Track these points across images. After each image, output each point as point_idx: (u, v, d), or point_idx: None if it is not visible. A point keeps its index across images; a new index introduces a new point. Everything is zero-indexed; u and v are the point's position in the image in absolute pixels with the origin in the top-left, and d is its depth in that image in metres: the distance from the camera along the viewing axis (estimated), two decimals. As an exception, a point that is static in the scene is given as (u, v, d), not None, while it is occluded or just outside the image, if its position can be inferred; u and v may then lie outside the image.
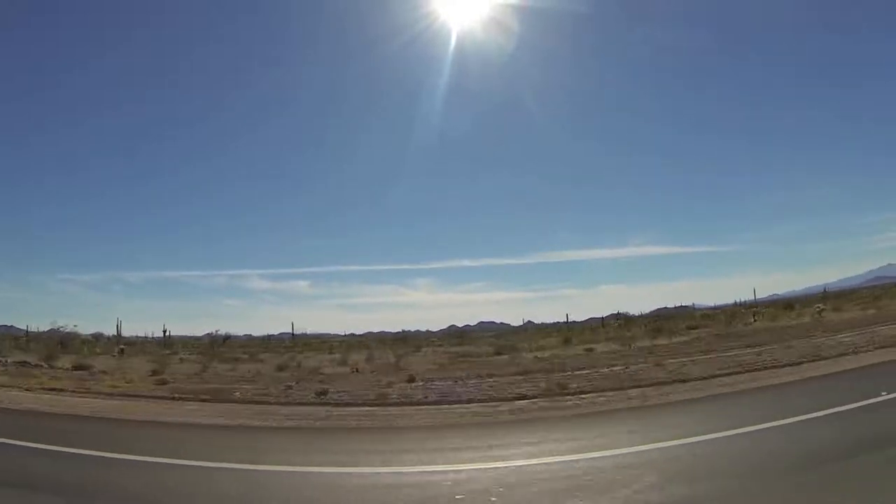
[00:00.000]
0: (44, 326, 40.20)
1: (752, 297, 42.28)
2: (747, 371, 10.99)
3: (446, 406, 9.75)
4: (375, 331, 57.57)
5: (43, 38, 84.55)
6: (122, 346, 29.89)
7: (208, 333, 41.01)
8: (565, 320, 43.74)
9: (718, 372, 11.01)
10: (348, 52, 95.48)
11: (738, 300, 42.27)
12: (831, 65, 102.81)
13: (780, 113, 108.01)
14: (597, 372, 12.67)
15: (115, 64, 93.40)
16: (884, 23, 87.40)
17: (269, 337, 49.97)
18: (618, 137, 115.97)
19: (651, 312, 48.02)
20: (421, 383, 12.66)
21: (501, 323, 56.46)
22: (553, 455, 5.80)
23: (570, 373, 12.81)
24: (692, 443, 5.94)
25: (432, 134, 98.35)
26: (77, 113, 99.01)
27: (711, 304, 50.90)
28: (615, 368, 13.03)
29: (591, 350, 21.06)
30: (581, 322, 49.65)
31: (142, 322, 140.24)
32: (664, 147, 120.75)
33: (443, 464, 5.71)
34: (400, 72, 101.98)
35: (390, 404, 10.16)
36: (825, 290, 46.55)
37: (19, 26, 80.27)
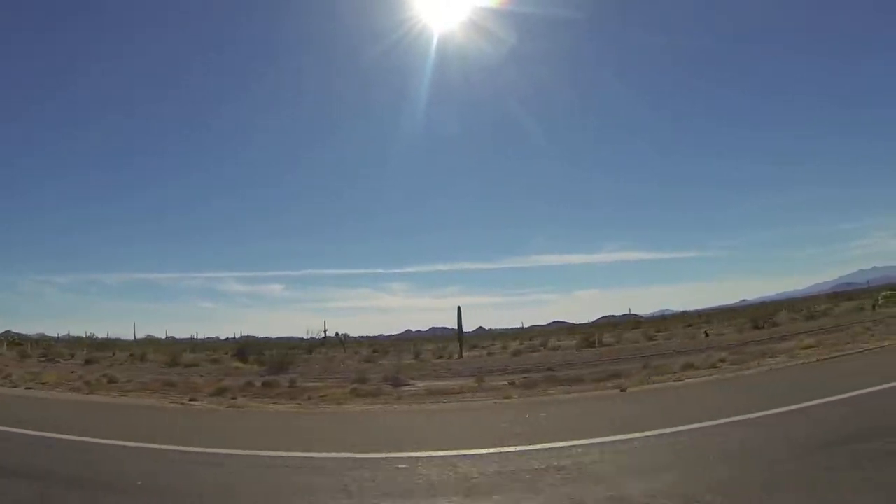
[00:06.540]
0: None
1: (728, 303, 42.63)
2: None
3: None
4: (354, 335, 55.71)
5: (32, 49, 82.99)
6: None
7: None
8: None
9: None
10: (329, 60, 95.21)
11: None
12: (806, 82, 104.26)
13: (755, 125, 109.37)
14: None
15: (98, 74, 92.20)
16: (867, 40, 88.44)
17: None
18: (594, 145, 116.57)
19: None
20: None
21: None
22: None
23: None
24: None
25: (411, 140, 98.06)
26: (56, 119, 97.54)
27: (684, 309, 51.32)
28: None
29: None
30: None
31: (117, 324, 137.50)
32: (640, 156, 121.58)
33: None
34: (381, 77, 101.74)
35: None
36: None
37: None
